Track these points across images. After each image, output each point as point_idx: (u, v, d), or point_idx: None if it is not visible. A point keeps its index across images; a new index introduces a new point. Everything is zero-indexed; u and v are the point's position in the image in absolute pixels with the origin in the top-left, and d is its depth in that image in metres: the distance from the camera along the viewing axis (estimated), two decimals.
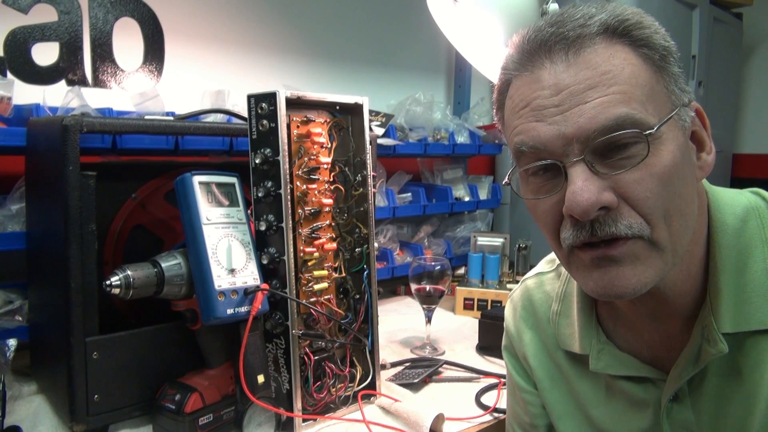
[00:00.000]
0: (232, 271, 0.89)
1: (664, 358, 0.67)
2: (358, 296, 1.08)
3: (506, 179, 0.65)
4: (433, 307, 1.36)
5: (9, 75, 1.22)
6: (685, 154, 0.58)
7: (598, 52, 0.56)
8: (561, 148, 0.56)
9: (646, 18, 0.58)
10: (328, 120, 1.04)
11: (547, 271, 0.82)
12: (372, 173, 1.08)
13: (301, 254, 0.98)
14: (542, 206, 0.60)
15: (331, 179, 1.04)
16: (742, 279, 0.61)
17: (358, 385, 1.06)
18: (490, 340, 1.32)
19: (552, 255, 0.82)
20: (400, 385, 1.13)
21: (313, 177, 1.00)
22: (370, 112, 1.56)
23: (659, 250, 0.57)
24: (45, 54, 1.26)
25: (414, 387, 1.15)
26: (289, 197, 0.94)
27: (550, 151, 0.57)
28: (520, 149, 0.59)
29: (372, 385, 1.07)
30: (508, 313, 0.85)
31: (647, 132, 0.54)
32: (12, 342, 1.15)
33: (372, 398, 1.08)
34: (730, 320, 0.60)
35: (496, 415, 1.05)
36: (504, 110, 0.64)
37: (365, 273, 1.08)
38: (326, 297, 1.03)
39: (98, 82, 1.33)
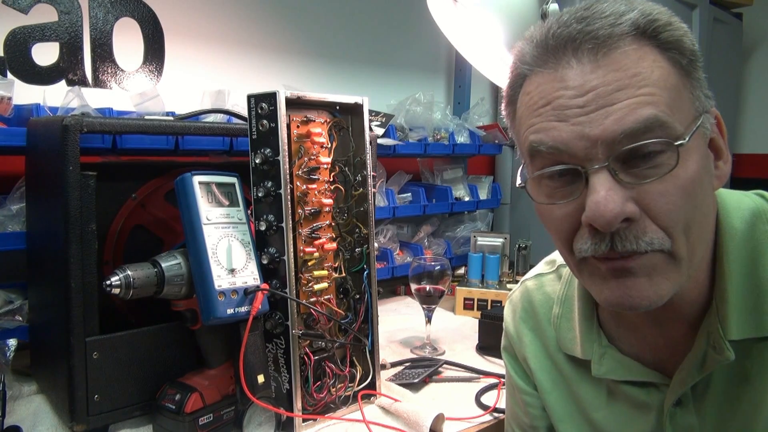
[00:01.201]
0: (232, 271, 0.89)
1: (668, 362, 0.66)
2: (358, 296, 1.08)
3: (519, 181, 0.62)
4: (433, 307, 1.36)
5: (9, 75, 1.22)
6: (706, 164, 0.56)
7: (627, 53, 0.53)
8: (583, 151, 0.53)
9: (674, 18, 0.56)
10: (328, 120, 1.04)
11: (546, 273, 0.81)
12: (372, 173, 1.08)
13: (301, 254, 0.98)
14: (557, 212, 0.58)
15: (331, 179, 1.04)
16: (751, 285, 0.60)
17: (358, 385, 1.06)
18: (490, 340, 1.32)
19: (552, 256, 0.82)
20: (400, 385, 1.13)
21: (313, 177, 1.00)
22: (370, 112, 1.56)
23: (677, 263, 0.55)
24: (45, 54, 1.26)
25: (414, 387, 1.15)
26: (289, 197, 0.94)
27: (571, 154, 0.54)
28: (537, 148, 0.56)
29: (372, 385, 1.07)
30: (507, 314, 0.84)
31: (679, 142, 0.52)
32: (12, 342, 1.15)
33: (372, 398, 1.08)
34: (738, 327, 0.59)
35: (496, 415, 1.05)
36: (516, 105, 0.61)
37: (365, 273, 1.08)
38: (326, 297, 1.03)
39: (98, 82, 1.34)
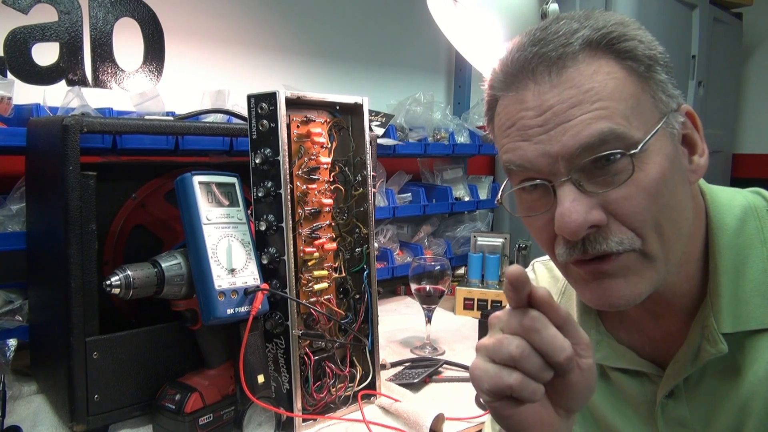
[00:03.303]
0: (232, 271, 0.89)
1: (664, 355, 0.67)
2: (358, 296, 1.08)
3: (498, 197, 0.66)
4: (433, 307, 1.36)
5: (9, 75, 1.22)
6: (674, 162, 0.58)
7: (580, 70, 0.56)
8: (547, 167, 0.57)
9: (629, 28, 0.58)
10: (328, 120, 1.04)
11: None
12: (372, 173, 1.08)
13: (301, 254, 0.98)
14: (536, 223, 0.61)
15: (331, 179, 1.04)
16: (741, 279, 0.62)
17: (358, 385, 1.06)
18: None
19: None
20: (400, 385, 1.13)
21: (313, 177, 1.00)
22: (370, 112, 1.56)
23: (651, 261, 0.57)
24: (45, 54, 1.26)
25: (414, 387, 1.15)
26: (289, 197, 0.94)
27: (537, 170, 0.57)
28: (509, 167, 0.61)
29: (372, 385, 1.07)
30: None
31: (632, 152, 0.54)
32: (12, 342, 1.15)
33: (372, 398, 1.08)
34: (730, 320, 0.61)
35: None
36: (493, 125, 0.65)
37: (365, 273, 1.08)
38: (326, 297, 1.03)
39: (98, 82, 1.33)
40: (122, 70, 1.37)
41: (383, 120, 1.68)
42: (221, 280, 0.87)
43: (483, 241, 1.71)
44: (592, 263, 0.58)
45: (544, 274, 0.82)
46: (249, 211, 0.96)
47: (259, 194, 0.95)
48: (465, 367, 1.24)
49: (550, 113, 0.56)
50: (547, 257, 0.83)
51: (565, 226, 0.55)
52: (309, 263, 1.00)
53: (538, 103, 0.56)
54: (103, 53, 1.33)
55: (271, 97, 0.94)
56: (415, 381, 1.15)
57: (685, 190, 0.60)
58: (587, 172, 0.56)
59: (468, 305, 1.63)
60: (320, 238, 1.00)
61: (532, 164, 0.57)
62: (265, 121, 0.94)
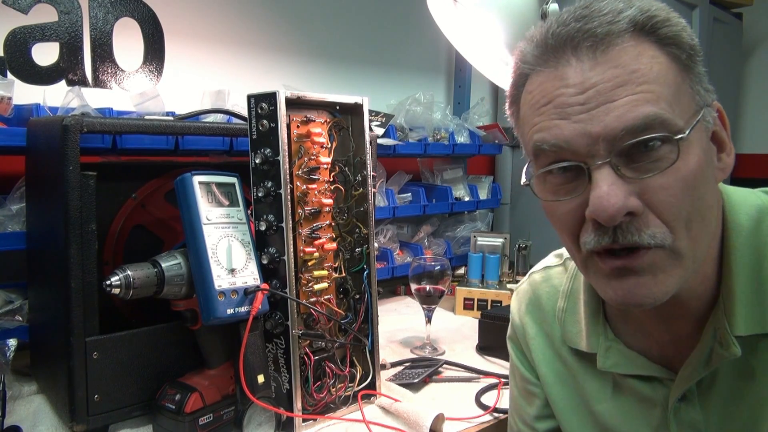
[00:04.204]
0: (232, 271, 0.89)
1: (674, 357, 0.66)
2: (358, 296, 1.08)
3: (524, 179, 0.63)
4: (433, 307, 1.36)
5: (9, 75, 1.22)
6: (708, 157, 0.57)
7: (626, 50, 0.54)
8: (585, 148, 0.54)
9: (673, 14, 0.56)
10: (328, 120, 1.04)
11: (554, 265, 0.81)
12: (372, 173, 1.08)
13: (301, 254, 0.98)
14: (562, 208, 0.58)
15: (331, 179, 1.04)
16: (756, 281, 0.60)
17: (358, 385, 1.06)
18: (490, 340, 1.32)
19: (560, 249, 0.81)
20: (400, 385, 1.13)
21: (313, 177, 1.00)
22: (370, 112, 1.56)
23: (680, 258, 0.55)
24: (45, 54, 1.26)
25: (414, 387, 1.15)
26: (289, 197, 0.94)
27: (573, 151, 0.55)
28: (540, 147, 0.57)
29: (372, 385, 1.07)
30: (513, 305, 0.85)
31: (679, 136, 0.52)
32: (12, 342, 1.15)
33: (372, 398, 1.08)
34: (744, 323, 0.59)
35: (496, 415, 1.05)
36: (520, 105, 0.62)
37: (365, 273, 1.08)
38: (326, 297, 1.03)
39: (98, 82, 1.33)
40: (122, 70, 1.37)
41: (383, 120, 1.68)
42: (221, 280, 0.87)
43: (483, 241, 1.71)
44: (620, 258, 0.56)
45: (542, 285, 0.80)
46: (249, 211, 0.96)
47: (259, 194, 0.95)
48: (465, 367, 1.24)
49: (593, 91, 0.53)
50: (543, 266, 0.82)
51: (603, 210, 0.53)
52: (309, 263, 1.00)
53: (581, 81, 0.54)
54: (103, 53, 1.33)
55: (271, 97, 0.94)
56: (415, 381, 1.15)
57: (714, 187, 0.59)
58: (626, 157, 0.54)
59: (468, 305, 1.63)
60: (320, 238, 1.00)
61: (568, 144, 0.55)
62: (265, 121, 0.94)
